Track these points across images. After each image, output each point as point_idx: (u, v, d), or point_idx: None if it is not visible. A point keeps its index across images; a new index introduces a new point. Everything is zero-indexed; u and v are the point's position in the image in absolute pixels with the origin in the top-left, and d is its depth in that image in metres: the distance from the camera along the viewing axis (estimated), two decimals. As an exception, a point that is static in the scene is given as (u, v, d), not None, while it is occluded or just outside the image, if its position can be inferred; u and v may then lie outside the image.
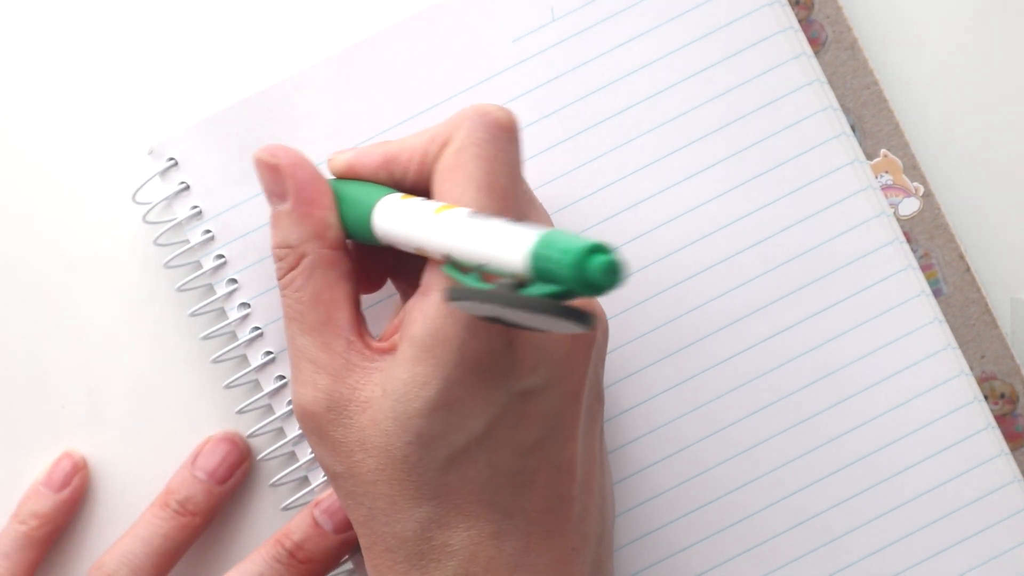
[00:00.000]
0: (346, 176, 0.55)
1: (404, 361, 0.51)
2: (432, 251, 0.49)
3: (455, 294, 0.47)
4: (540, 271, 0.44)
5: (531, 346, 0.51)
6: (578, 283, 0.43)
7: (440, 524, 0.51)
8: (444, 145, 0.52)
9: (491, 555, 0.52)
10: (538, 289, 0.44)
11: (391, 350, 0.52)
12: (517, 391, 0.51)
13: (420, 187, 0.53)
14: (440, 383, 0.50)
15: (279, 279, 0.54)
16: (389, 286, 0.58)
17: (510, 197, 0.51)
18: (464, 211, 0.49)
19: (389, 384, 0.51)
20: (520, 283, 0.45)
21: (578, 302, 0.50)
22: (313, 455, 0.60)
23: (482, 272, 0.47)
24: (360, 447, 0.52)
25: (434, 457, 0.51)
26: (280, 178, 0.54)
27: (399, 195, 0.52)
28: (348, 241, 0.55)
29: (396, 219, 0.51)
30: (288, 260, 0.54)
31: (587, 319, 0.45)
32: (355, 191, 0.54)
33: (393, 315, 0.55)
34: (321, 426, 0.53)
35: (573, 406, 0.53)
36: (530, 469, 0.52)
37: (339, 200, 0.54)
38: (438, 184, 0.51)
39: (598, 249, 0.43)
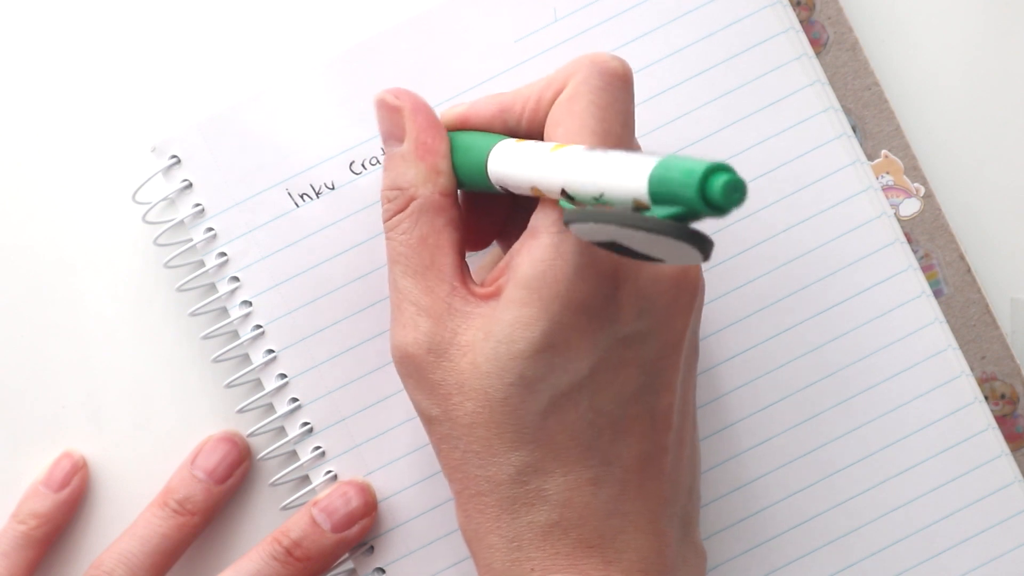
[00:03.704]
0: (460, 128, 0.55)
1: (510, 302, 0.50)
2: (547, 187, 0.49)
3: (574, 216, 0.46)
4: (661, 194, 0.44)
5: (636, 293, 0.51)
6: (701, 202, 0.42)
7: (536, 469, 0.51)
8: (558, 92, 0.52)
9: (586, 501, 0.51)
10: (659, 212, 0.44)
11: (495, 295, 0.52)
12: (621, 336, 0.51)
13: (534, 135, 0.53)
14: (545, 324, 0.50)
15: (385, 220, 0.54)
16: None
17: (623, 145, 0.51)
18: (580, 147, 0.48)
19: (493, 326, 0.51)
20: (639, 208, 0.45)
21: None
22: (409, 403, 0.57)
23: (598, 204, 0.47)
24: (458, 390, 0.51)
25: (536, 400, 0.50)
26: (400, 120, 0.54)
27: (513, 140, 0.52)
28: (460, 194, 0.55)
29: (511, 160, 0.51)
30: (397, 202, 0.53)
31: (707, 244, 0.44)
32: (470, 139, 0.54)
33: (496, 262, 0.55)
34: (420, 368, 0.52)
35: (673, 355, 0.52)
36: (629, 416, 0.52)
37: (454, 149, 0.54)
38: (551, 130, 0.51)
39: (720, 168, 0.43)
